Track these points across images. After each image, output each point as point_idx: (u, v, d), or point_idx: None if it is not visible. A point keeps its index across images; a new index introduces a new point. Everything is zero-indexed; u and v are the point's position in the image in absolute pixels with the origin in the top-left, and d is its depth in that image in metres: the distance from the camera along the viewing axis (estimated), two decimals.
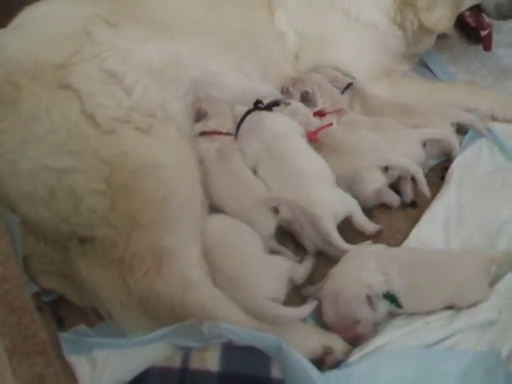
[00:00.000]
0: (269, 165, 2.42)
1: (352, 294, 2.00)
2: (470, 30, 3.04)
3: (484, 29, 3.00)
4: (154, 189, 2.08)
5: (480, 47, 3.08)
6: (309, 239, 2.25)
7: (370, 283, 2.01)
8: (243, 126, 2.56)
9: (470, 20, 3.00)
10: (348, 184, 2.43)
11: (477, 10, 2.96)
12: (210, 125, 2.50)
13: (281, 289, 2.05)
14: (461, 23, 3.01)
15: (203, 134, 2.49)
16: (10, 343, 1.35)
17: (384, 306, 2.03)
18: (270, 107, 2.63)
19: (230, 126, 2.54)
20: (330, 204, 2.26)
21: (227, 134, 2.50)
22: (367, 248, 2.18)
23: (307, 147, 2.49)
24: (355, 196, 2.42)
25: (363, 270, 2.05)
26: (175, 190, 2.12)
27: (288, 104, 2.66)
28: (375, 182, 2.41)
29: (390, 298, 2.02)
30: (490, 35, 3.03)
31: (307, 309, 1.99)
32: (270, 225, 2.24)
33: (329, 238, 2.21)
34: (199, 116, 2.54)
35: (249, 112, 2.60)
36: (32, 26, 2.42)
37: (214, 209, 2.29)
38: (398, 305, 2.03)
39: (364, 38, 2.92)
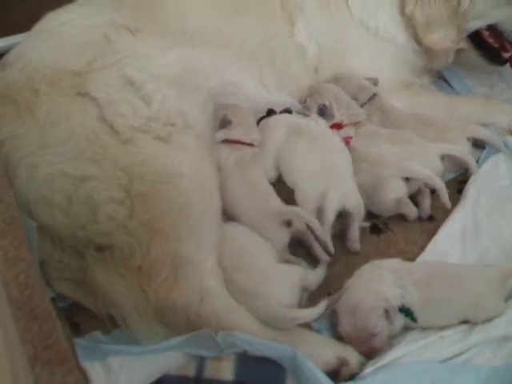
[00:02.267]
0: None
1: (370, 306, 1.99)
2: (492, 51, 3.00)
3: (506, 51, 2.97)
4: (172, 198, 2.09)
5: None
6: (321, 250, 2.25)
7: (387, 296, 2.01)
8: None
9: (490, 40, 2.97)
10: (368, 193, 2.43)
11: (497, 30, 2.93)
12: (233, 133, 2.50)
13: (293, 296, 2.04)
14: (481, 43, 2.99)
15: (225, 141, 2.49)
16: (31, 351, 1.35)
17: (399, 320, 2.02)
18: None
19: (253, 136, 2.52)
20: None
21: (250, 144, 2.49)
22: (383, 261, 2.17)
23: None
24: (374, 205, 2.44)
25: (381, 282, 2.04)
26: (194, 199, 2.12)
27: (307, 116, 2.66)
28: (397, 191, 2.41)
29: (405, 311, 2.02)
30: None
31: (319, 309, 2.00)
32: (283, 237, 2.24)
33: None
34: (223, 123, 2.53)
35: (261, 119, 2.65)
36: (53, 33, 2.44)
37: (226, 216, 2.29)
38: (413, 319, 2.02)
39: (383, 52, 2.93)
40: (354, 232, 2.33)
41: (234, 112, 2.57)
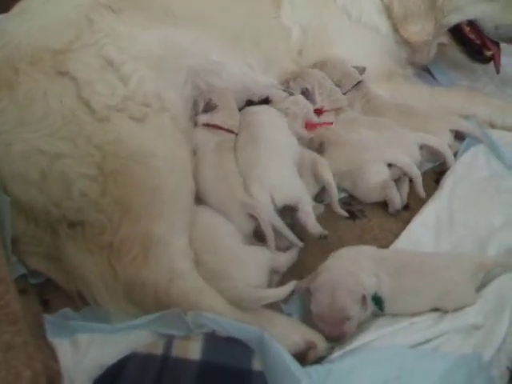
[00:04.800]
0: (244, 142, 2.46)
1: (351, 288, 1.98)
2: (474, 47, 2.99)
3: (488, 48, 2.95)
4: (145, 177, 2.09)
5: None
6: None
7: (366, 283, 2.01)
8: None
9: (472, 36, 2.96)
10: (351, 178, 2.46)
11: (478, 26, 2.92)
12: (216, 118, 2.50)
13: (262, 278, 2.05)
14: (463, 38, 2.99)
15: (207, 125, 2.49)
16: None
17: (370, 307, 2.02)
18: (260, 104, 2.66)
19: (233, 123, 2.52)
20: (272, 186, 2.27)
21: (229, 130, 2.49)
22: (361, 247, 2.18)
23: (284, 133, 2.51)
24: (359, 190, 2.46)
25: (360, 268, 2.04)
26: (166, 179, 2.12)
27: (292, 94, 2.68)
28: (380, 174, 2.43)
29: (377, 299, 2.02)
30: (495, 57, 2.96)
31: (287, 289, 2.01)
32: (246, 227, 2.22)
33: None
34: (208, 107, 2.53)
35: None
36: (35, 12, 2.43)
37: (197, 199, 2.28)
38: (381, 308, 2.03)
39: (365, 41, 2.95)
40: (308, 222, 2.28)
41: (219, 97, 2.57)
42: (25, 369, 1.29)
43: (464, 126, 2.72)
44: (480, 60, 3.03)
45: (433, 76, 3.20)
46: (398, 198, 2.44)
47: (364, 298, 1.99)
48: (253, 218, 2.20)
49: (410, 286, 2.05)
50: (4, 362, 1.28)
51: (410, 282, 2.06)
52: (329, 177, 2.39)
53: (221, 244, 2.11)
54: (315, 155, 2.46)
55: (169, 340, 1.84)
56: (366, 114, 2.76)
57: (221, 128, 2.48)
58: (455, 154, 2.65)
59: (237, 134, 2.51)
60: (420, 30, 2.85)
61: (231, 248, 2.10)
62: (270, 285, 2.08)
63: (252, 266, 2.05)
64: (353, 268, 2.05)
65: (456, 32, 2.98)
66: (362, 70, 2.86)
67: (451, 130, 2.68)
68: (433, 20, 2.83)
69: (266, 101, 2.69)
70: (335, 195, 2.39)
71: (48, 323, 1.93)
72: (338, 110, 2.71)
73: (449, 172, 2.58)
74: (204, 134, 2.46)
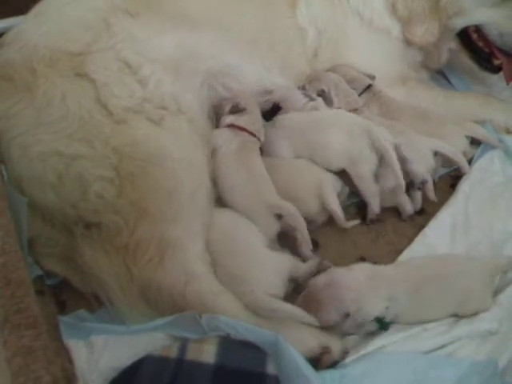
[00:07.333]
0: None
1: (339, 296, 1.96)
2: (483, 56, 2.94)
3: (496, 57, 2.89)
4: (162, 179, 2.10)
5: None
6: (306, 248, 2.24)
7: (370, 314, 1.97)
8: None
9: (480, 44, 2.91)
10: None
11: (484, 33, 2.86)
12: (241, 120, 2.50)
13: (280, 285, 2.03)
14: (472, 46, 2.94)
15: (231, 126, 2.49)
16: (2, 315, 1.38)
17: (371, 326, 2.00)
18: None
19: (257, 127, 2.52)
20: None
21: (252, 133, 2.49)
22: (384, 270, 2.10)
23: None
24: None
25: (374, 293, 1.99)
26: (183, 181, 2.13)
27: (313, 99, 2.67)
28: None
29: (381, 322, 1.99)
30: (506, 66, 2.87)
31: (303, 312, 1.96)
32: (273, 228, 2.23)
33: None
34: (235, 109, 2.53)
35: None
36: (53, 14, 2.44)
37: (220, 202, 2.29)
38: (384, 328, 2.00)
39: (377, 43, 2.92)
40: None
41: (246, 100, 2.58)
42: (44, 374, 1.30)
43: (479, 133, 2.70)
44: (489, 69, 2.97)
45: (448, 80, 3.17)
46: (408, 204, 2.44)
47: (348, 315, 1.95)
48: (279, 219, 2.22)
49: (429, 300, 2.04)
50: (24, 367, 1.29)
51: (429, 296, 2.04)
52: (331, 200, 2.35)
53: (241, 247, 2.11)
54: (323, 174, 2.44)
55: (183, 343, 1.86)
56: (383, 116, 2.73)
57: (245, 130, 2.48)
58: (471, 160, 2.65)
59: (259, 139, 2.51)
60: (424, 31, 2.81)
61: (252, 251, 2.10)
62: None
63: (272, 272, 2.04)
64: (362, 287, 1.99)
65: (465, 39, 2.94)
66: (371, 76, 2.86)
67: (467, 136, 2.67)
68: (437, 21, 2.79)
69: (277, 108, 2.69)
70: (338, 217, 2.34)
71: (63, 325, 1.95)
72: (354, 112, 2.69)
73: (464, 177, 2.57)
74: (226, 135, 2.46)
